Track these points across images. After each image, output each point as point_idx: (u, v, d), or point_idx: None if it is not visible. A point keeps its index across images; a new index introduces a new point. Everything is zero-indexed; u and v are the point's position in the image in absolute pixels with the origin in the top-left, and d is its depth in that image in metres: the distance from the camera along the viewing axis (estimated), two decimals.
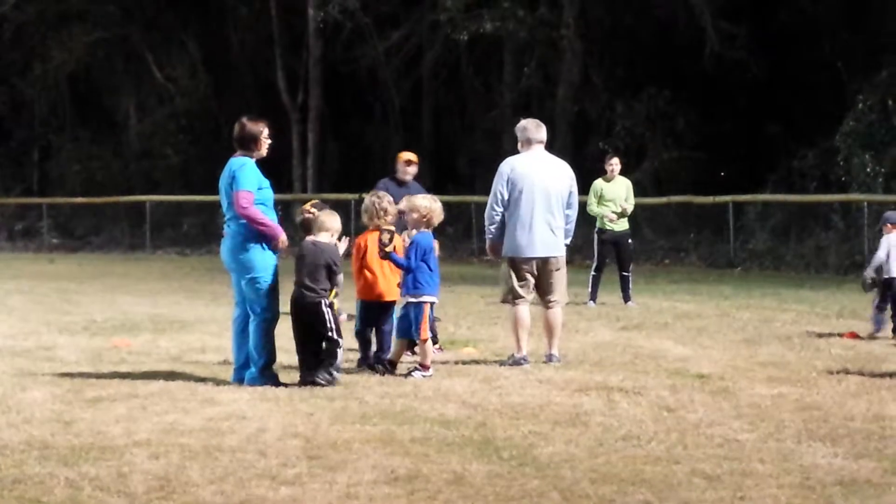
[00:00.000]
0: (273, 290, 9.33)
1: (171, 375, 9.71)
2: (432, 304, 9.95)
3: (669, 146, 29.07)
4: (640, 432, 7.43)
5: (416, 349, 9.97)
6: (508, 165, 10.60)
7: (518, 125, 10.88)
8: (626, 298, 16.17)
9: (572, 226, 10.76)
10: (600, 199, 16.49)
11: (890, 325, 12.25)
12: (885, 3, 27.67)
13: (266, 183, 9.47)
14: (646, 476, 6.34)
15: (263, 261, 9.27)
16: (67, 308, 15.99)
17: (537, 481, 6.25)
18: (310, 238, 9.53)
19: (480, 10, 30.16)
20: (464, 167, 34.52)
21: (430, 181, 33.71)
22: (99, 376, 9.69)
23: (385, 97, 35.66)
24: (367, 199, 10.47)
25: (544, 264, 10.51)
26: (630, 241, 16.74)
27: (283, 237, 9.27)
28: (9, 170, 38.24)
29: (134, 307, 16.15)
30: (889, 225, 12.59)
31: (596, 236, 16.68)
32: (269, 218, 9.35)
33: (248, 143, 9.47)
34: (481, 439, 7.27)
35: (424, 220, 10.00)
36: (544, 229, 10.47)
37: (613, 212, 16.33)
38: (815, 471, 6.45)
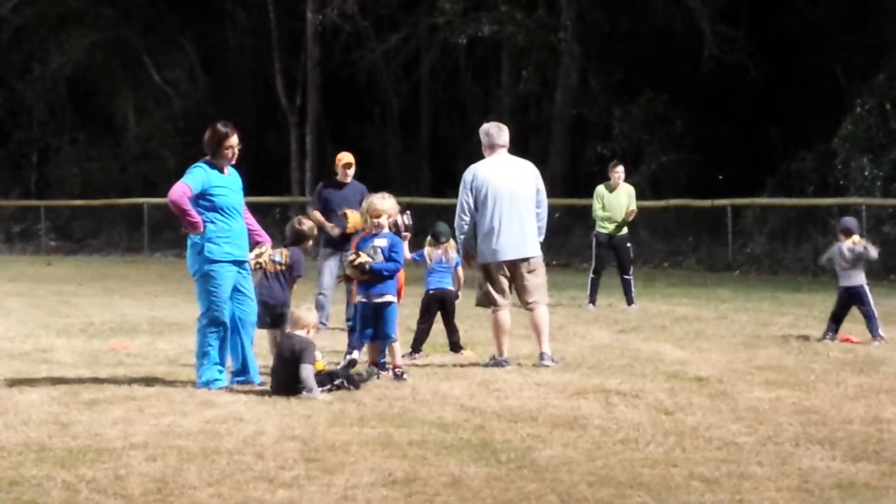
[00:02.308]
0: (214, 295, 9.21)
1: (168, 378, 9.72)
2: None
3: (668, 150, 29.05)
4: (638, 435, 7.43)
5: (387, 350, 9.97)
6: (471, 173, 10.68)
7: (481, 129, 10.93)
8: (629, 301, 16.20)
9: (544, 224, 10.74)
10: (602, 207, 16.54)
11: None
12: (883, 6, 27.69)
13: (227, 188, 9.35)
14: (644, 479, 6.34)
15: (208, 265, 9.18)
16: (65, 310, 15.98)
17: (535, 484, 6.25)
18: (286, 334, 9.33)
19: (478, 14, 30.16)
20: (462, 170, 34.42)
21: (429, 184, 33.92)
22: (96, 378, 9.70)
23: (383, 100, 35.64)
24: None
25: (516, 267, 10.52)
26: (629, 244, 16.75)
27: (200, 230, 9.15)
28: (7, 172, 38.20)
29: (132, 309, 16.15)
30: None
31: (594, 239, 16.73)
32: (228, 225, 9.25)
33: (210, 148, 9.41)
34: (479, 442, 7.27)
35: (390, 219, 10.00)
36: (513, 232, 10.48)
37: (614, 221, 16.40)
38: (814, 474, 6.45)
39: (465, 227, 10.58)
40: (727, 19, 28.53)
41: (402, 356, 10.48)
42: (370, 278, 9.71)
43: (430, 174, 34.89)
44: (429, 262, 11.39)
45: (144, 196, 34.33)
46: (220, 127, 9.49)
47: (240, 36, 36.98)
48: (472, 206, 10.52)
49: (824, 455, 6.88)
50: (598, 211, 16.59)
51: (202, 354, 9.25)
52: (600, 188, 16.72)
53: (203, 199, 9.24)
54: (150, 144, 36.59)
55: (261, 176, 35.89)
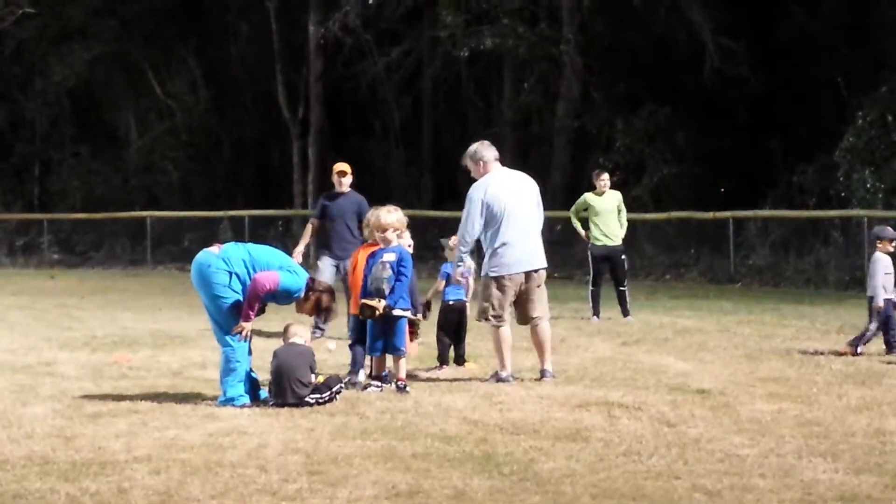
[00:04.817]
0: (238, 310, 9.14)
1: (171, 391, 9.73)
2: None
3: (669, 162, 29.05)
4: (641, 447, 7.44)
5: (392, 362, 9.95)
6: (482, 189, 10.54)
7: (469, 151, 10.86)
8: (625, 313, 16.21)
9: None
10: (590, 211, 16.55)
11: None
12: (884, 18, 27.73)
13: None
14: (646, 491, 6.34)
15: (233, 294, 9.11)
16: (68, 323, 15.99)
17: (538, 497, 6.25)
18: (285, 344, 9.30)
19: (480, 27, 30.22)
20: (464, 182, 34.46)
21: (431, 196, 33.94)
22: (100, 392, 9.71)
23: (385, 113, 35.69)
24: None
25: (530, 278, 10.50)
26: (624, 256, 16.75)
27: (245, 327, 9.05)
28: (9, 185, 38.23)
29: (134, 322, 16.16)
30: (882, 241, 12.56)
31: (589, 252, 16.75)
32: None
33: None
34: (482, 455, 7.28)
35: (396, 232, 10.01)
36: (527, 244, 10.50)
37: (606, 234, 16.43)
38: (816, 486, 6.45)
39: (470, 241, 10.53)
40: (728, 31, 28.56)
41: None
42: (382, 316, 9.68)
43: (432, 186, 34.91)
44: (461, 280, 11.29)
45: (147, 209, 34.37)
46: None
47: (242, 48, 37.04)
48: (483, 223, 10.44)
49: (827, 467, 6.89)
50: (573, 217, 16.71)
51: (229, 371, 9.08)
52: (587, 194, 16.80)
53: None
54: (152, 157, 36.60)
55: (263, 188, 35.91)
